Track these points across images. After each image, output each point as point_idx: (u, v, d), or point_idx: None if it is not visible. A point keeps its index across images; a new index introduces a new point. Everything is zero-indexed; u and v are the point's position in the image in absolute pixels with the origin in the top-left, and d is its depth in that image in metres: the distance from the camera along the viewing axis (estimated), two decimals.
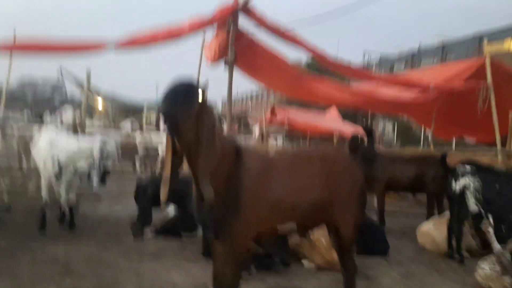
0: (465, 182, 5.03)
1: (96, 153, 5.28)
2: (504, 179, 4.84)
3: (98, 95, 18.93)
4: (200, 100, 2.49)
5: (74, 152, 5.38)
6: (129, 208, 7.52)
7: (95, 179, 5.26)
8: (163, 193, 2.69)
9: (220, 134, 2.74)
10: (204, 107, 2.54)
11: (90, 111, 19.07)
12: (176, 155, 2.64)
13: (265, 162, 2.97)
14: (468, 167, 5.24)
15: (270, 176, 2.90)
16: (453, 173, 5.38)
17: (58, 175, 5.43)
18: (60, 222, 5.92)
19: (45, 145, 5.47)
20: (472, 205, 4.98)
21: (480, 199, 4.85)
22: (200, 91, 2.52)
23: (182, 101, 2.42)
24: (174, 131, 2.47)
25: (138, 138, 12.14)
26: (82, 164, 5.39)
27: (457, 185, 5.14)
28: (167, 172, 2.68)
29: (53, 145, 5.44)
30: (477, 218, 5.12)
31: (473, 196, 4.94)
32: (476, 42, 32.50)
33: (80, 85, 16.70)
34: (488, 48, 8.24)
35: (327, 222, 3.22)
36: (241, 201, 2.71)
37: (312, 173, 3.06)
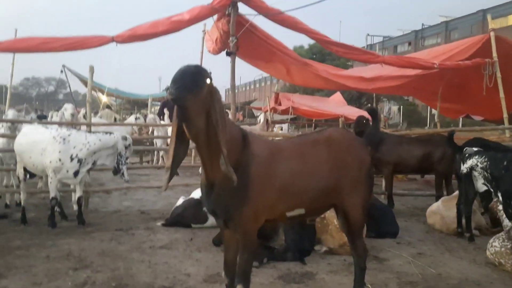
0: (472, 163, 5.01)
1: (122, 148, 5.59)
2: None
3: (102, 92, 18.97)
4: (208, 82, 2.47)
5: (97, 149, 5.52)
6: (139, 202, 7.61)
7: (125, 172, 5.61)
8: (165, 181, 2.69)
9: (227, 120, 2.74)
10: (213, 89, 2.52)
11: (95, 107, 19.13)
12: (181, 143, 2.63)
13: (272, 148, 2.97)
14: (474, 148, 5.22)
15: (277, 162, 2.90)
16: (461, 153, 5.37)
17: (77, 172, 5.52)
18: (62, 217, 6.00)
19: (57, 144, 5.44)
20: (480, 185, 4.96)
21: (488, 178, 4.83)
22: (208, 73, 2.50)
23: (190, 83, 2.39)
24: (183, 114, 2.45)
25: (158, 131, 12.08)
26: (104, 160, 5.63)
27: (464, 166, 5.12)
28: (169, 160, 2.66)
29: (68, 144, 5.46)
30: (487, 197, 5.10)
31: (481, 176, 4.91)
32: (480, 19, 32.13)
33: (84, 81, 16.74)
34: (493, 24, 8.12)
35: (336, 206, 3.23)
36: (250, 188, 2.72)
37: (319, 157, 3.06)
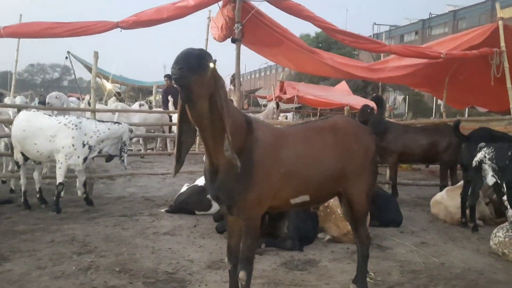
0: (481, 156, 4.97)
1: (127, 138, 5.96)
2: None
3: (107, 79, 18.95)
4: (211, 66, 2.44)
5: (105, 137, 5.80)
6: (143, 188, 7.65)
7: (125, 160, 6.03)
8: (174, 169, 2.74)
9: (232, 106, 2.72)
10: (216, 74, 2.50)
11: (100, 94, 19.13)
12: (187, 129, 2.65)
13: (277, 134, 2.95)
14: (483, 143, 5.16)
15: (282, 148, 2.88)
16: (466, 143, 5.32)
17: (86, 159, 5.75)
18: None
19: (71, 130, 5.57)
20: (490, 177, 4.90)
21: (495, 169, 4.80)
22: (211, 58, 2.47)
23: (194, 65, 2.36)
24: (186, 95, 2.42)
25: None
26: (108, 148, 5.92)
27: (474, 160, 5.06)
28: (175, 148, 2.70)
29: (80, 130, 5.62)
30: (498, 189, 5.05)
31: (490, 168, 4.86)
32: (488, 8, 31.72)
33: (88, 68, 16.73)
34: (502, 13, 7.99)
35: (340, 193, 3.22)
36: (254, 173, 2.71)
37: (325, 143, 3.04)
